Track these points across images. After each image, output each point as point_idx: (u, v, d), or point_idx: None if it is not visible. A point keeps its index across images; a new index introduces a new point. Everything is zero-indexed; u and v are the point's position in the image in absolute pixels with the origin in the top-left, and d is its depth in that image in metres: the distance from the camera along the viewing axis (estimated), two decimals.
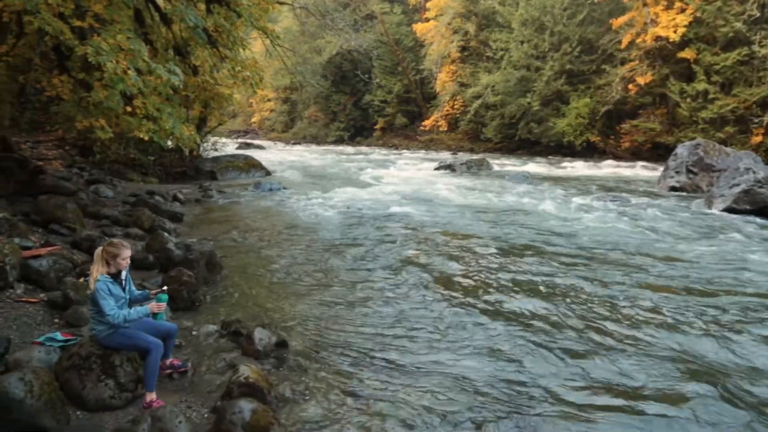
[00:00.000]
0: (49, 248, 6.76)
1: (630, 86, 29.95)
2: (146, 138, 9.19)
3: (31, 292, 5.92)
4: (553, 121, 33.12)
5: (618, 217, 12.54)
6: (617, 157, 30.27)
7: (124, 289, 4.27)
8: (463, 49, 42.14)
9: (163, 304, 4.35)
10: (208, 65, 11.83)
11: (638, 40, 29.20)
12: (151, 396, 4.05)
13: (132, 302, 4.38)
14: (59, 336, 4.64)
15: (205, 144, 21.12)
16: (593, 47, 33.20)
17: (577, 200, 15.03)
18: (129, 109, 8.54)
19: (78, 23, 8.41)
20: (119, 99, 8.11)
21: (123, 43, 7.82)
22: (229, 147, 28.29)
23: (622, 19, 30.29)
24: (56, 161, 15.00)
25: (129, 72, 7.55)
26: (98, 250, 4.19)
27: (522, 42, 35.58)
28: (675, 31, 26.61)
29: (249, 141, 43.42)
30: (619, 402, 4.37)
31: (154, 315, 4.32)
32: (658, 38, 27.65)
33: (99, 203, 11.02)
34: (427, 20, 43.84)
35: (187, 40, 11.58)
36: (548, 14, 33.72)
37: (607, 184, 19.28)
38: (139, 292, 4.52)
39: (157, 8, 11.13)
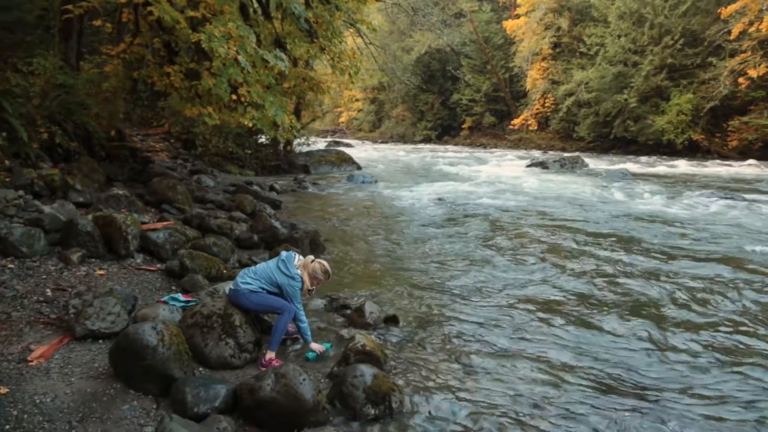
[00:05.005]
0: (165, 223, 7.08)
1: (740, 80, 27.73)
2: (250, 124, 9.47)
3: (149, 262, 6.21)
4: (652, 118, 31.25)
5: (735, 214, 11.60)
6: (723, 157, 28.16)
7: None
8: (556, 45, 40.79)
9: (324, 350, 4.46)
10: (307, 57, 12.12)
11: (751, 30, 26.96)
12: (271, 354, 4.11)
13: None
14: (181, 297, 4.81)
15: (298, 139, 21.64)
16: (698, 39, 30.94)
17: (685, 196, 14.01)
18: (234, 97, 8.84)
19: (192, 13, 8.79)
20: (226, 86, 8.41)
21: (233, 30, 8.11)
22: (319, 144, 28.90)
23: (732, 8, 28.05)
24: (163, 153, 15.88)
25: (239, 57, 7.81)
26: (312, 258, 4.64)
27: (619, 36, 33.91)
28: None
29: (338, 140, 44.16)
30: None
31: (309, 351, 4.45)
32: None
33: (202, 190, 11.48)
34: (518, 17, 42.80)
35: (287, 34, 11.89)
36: (648, 6, 31.91)
37: (714, 183, 17.85)
38: None
39: (260, 2, 11.50)
